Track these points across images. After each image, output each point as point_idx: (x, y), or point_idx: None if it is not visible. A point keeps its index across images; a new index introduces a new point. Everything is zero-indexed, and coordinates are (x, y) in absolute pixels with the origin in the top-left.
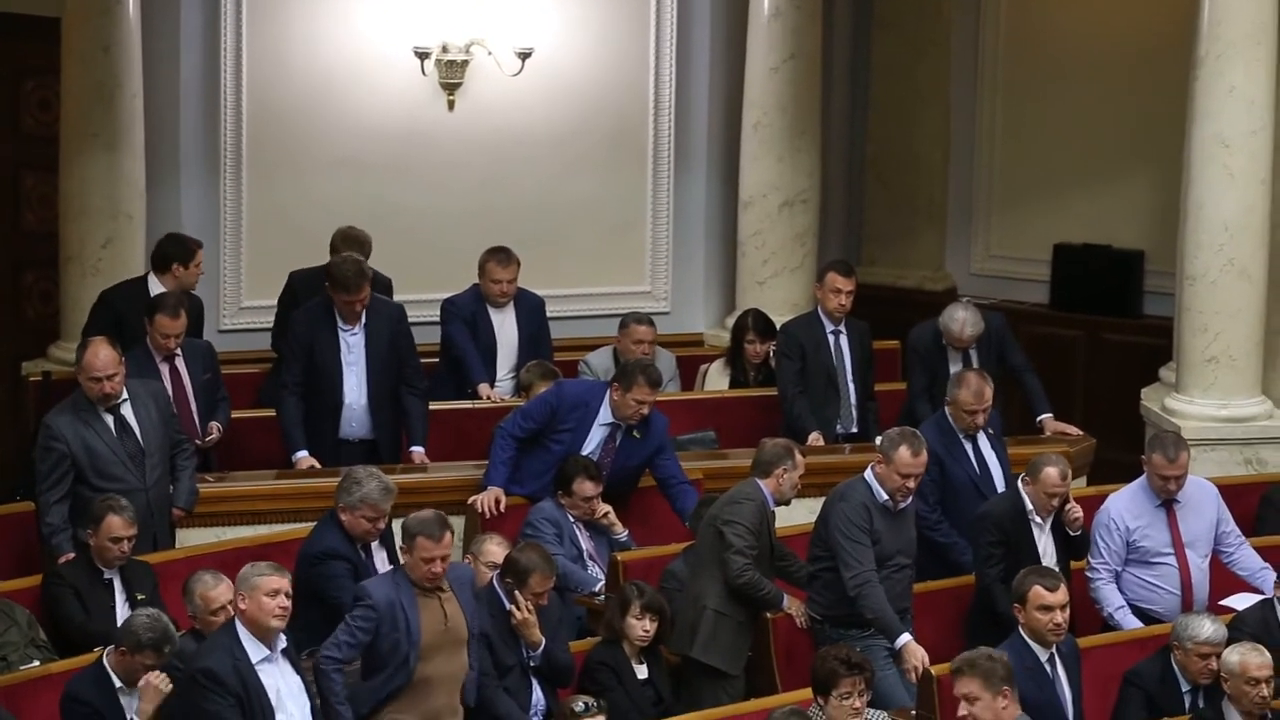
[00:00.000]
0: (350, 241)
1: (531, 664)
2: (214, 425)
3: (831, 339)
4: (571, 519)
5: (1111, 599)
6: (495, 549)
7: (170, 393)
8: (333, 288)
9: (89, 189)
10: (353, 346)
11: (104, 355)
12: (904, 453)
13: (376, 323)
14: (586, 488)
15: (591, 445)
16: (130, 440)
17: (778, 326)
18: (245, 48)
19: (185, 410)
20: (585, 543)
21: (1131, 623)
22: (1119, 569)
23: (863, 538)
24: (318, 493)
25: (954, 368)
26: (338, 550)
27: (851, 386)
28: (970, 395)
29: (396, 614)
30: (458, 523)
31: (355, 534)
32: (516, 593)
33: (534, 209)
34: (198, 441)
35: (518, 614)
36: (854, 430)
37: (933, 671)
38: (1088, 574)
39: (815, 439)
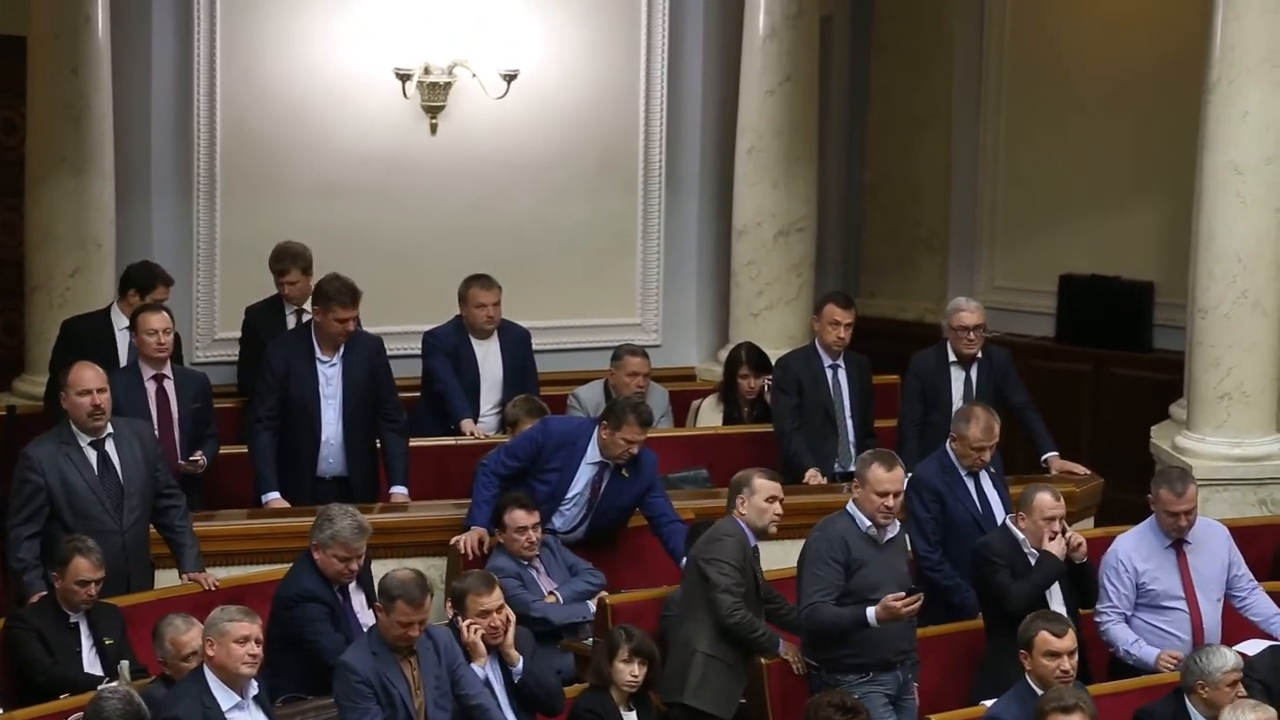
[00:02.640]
0: (277, 256)
1: (516, 679)
2: (200, 454)
3: (830, 374)
4: (525, 564)
5: (1125, 636)
6: None
7: (155, 417)
8: (324, 306)
9: (56, 215)
10: (330, 379)
11: (90, 371)
12: (877, 470)
13: (355, 354)
14: (519, 516)
15: (579, 485)
16: (111, 479)
17: (773, 360)
18: (219, 68)
19: (168, 436)
20: (545, 582)
21: (1150, 652)
22: (1129, 613)
23: (825, 569)
24: (293, 533)
25: (956, 389)
26: (314, 592)
27: (850, 423)
28: (979, 431)
29: (390, 691)
30: (439, 564)
31: (328, 574)
32: (458, 619)
33: (519, 237)
34: (180, 463)
35: (464, 634)
36: (852, 469)
37: None
38: (1096, 619)
39: (813, 476)
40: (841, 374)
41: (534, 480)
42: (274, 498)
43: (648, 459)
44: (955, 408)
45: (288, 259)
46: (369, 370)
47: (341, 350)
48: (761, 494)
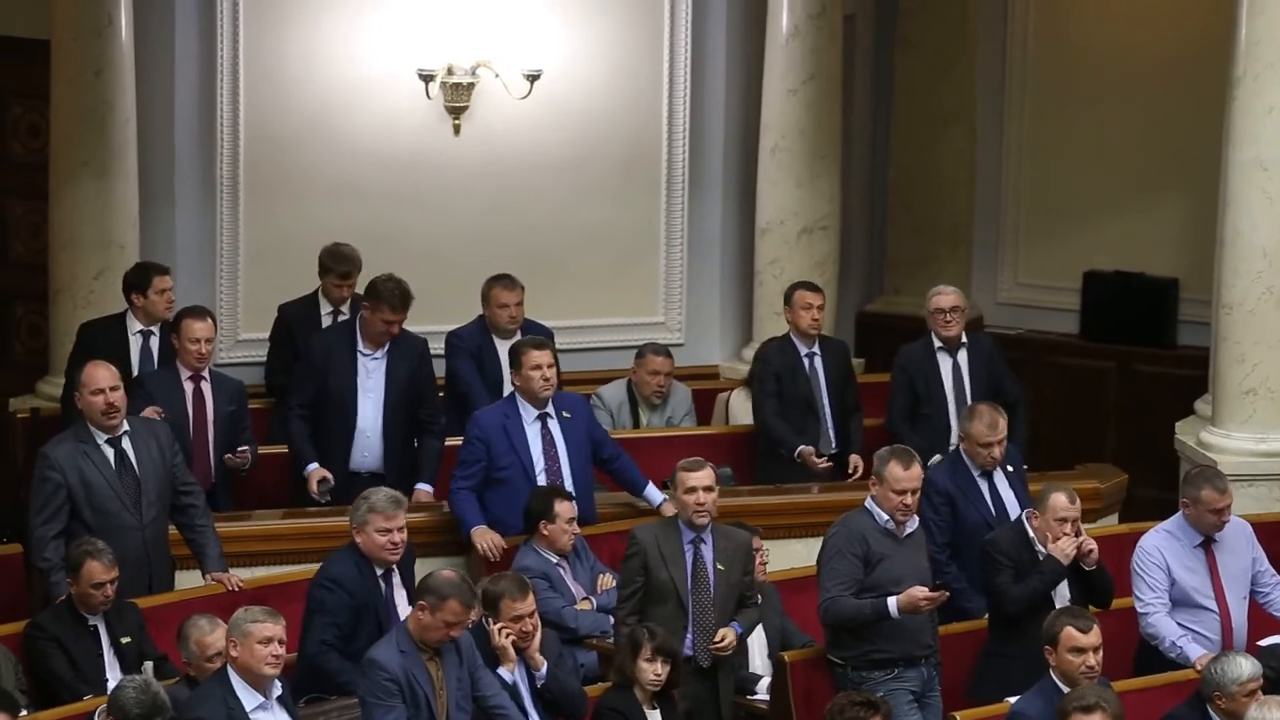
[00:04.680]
0: (341, 259)
1: (540, 684)
2: (246, 448)
3: (807, 362)
4: (555, 561)
5: (1172, 629)
6: None
7: (191, 417)
8: (374, 304)
9: (79, 218)
10: (371, 372)
11: (103, 370)
12: (894, 468)
13: (399, 353)
14: (566, 507)
15: (536, 449)
16: (129, 476)
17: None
18: (242, 70)
19: (201, 439)
20: (574, 586)
21: (1195, 650)
22: (1168, 606)
23: (843, 563)
24: (320, 533)
25: (945, 376)
26: (343, 579)
27: (828, 409)
28: (984, 427)
29: (415, 690)
30: (458, 564)
31: (374, 556)
32: (488, 621)
33: (543, 237)
34: (227, 456)
35: (494, 638)
36: (834, 450)
37: (958, 717)
38: (1139, 610)
39: (809, 453)
40: (818, 361)
41: (496, 474)
42: (314, 468)
43: (568, 397)
44: (948, 394)
45: (348, 264)
46: (411, 371)
47: (387, 346)
48: (681, 487)
